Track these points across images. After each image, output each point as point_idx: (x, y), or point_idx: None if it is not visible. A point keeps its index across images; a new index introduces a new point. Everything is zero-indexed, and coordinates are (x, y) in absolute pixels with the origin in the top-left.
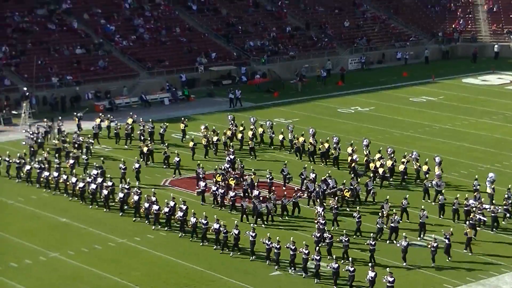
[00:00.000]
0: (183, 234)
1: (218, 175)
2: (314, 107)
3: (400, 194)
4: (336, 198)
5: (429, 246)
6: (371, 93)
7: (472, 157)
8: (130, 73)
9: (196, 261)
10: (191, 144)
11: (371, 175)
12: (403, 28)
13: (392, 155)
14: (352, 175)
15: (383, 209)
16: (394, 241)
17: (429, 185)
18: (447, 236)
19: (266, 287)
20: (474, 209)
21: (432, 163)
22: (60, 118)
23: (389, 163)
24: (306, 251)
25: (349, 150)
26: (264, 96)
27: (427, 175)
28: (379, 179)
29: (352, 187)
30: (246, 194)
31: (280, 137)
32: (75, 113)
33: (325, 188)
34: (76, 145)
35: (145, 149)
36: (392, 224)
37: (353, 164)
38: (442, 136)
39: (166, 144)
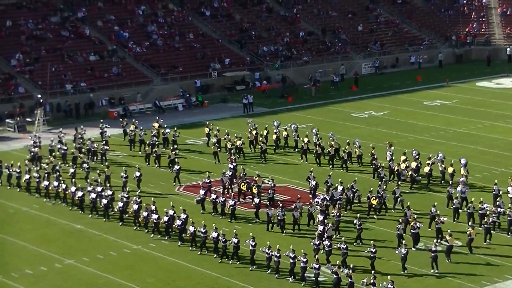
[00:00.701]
0: (182, 243)
1: (242, 183)
2: (328, 111)
3: (423, 199)
4: (338, 205)
5: (427, 249)
6: (385, 98)
7: (486, 161)
8: (144, 79)
9: (211, 267)
10: (214, 148)
11: (399, 182)
12: (417, 32)
13: (417, 157)
14: (379, 182)
15: (406, 216)
16: (413, 248)
17: (453, 192)
18: (446, 239)
19: None
20: (488, 212)
21: (457, 166)
22: (82, 126)
23: (413, 165)
24: (305, 259)
25: (374, 153)
26: (278, 101)
27: (450, 182)
28: (408, 182)
29: (379, 194)
30: (272, 202)
31: (305, 140)
32: (101, 121)
33: (351, 195)
34: (90, 152)
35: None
36: (413, 230)
37: (379, 169)
38: (456, 140)
39: (172, 148)
